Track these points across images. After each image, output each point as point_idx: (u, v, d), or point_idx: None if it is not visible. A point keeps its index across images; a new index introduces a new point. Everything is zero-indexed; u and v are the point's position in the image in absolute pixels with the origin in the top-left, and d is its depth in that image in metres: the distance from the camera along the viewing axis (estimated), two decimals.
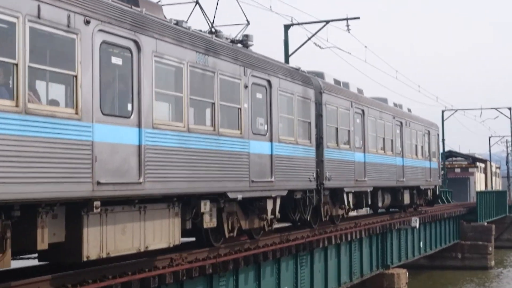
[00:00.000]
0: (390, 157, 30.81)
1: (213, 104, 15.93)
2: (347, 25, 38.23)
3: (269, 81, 18.60)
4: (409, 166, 33.79)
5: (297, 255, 21.50)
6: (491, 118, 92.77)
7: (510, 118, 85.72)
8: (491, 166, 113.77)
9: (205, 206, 15.56)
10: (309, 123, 21.54)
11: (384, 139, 30.34)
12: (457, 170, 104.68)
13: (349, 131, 25.72)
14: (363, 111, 27.45)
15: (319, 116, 22.88)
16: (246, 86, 17.27)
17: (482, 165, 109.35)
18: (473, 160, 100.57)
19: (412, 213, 36.48)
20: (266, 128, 18.33)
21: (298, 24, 37.38)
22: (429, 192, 39.80)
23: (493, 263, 49.16)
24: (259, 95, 18.12)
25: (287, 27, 37.43)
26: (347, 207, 25.63)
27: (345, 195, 25.06)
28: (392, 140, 31.34)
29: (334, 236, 24.27)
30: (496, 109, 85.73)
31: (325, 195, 23.11)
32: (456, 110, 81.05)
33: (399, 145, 32.68)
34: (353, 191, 25.82)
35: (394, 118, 31.97)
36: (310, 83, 21.73)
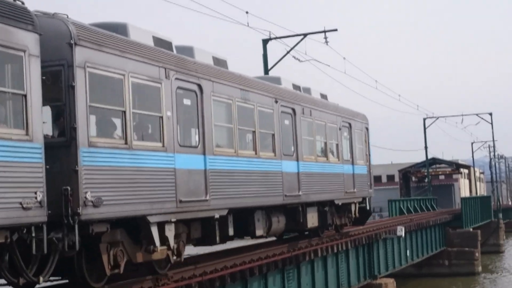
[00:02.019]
0: (266, 161, 19.86)
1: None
2: (325, 38, 38.49)
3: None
4: (311, 173, 22.99)
5: (284, 269, 21.46)
6: (472, 124, 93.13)
7: (491, 124, 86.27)
8: (474, 171, 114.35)
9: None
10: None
11: (254, 133, 19.51)
12: (441, 177, 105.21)
13: None
14: None
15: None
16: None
17: (466, 171, 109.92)
18: (456, 167, 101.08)
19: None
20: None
21: (276, 38, 37.51)
22: (353, 208, 27.93)
23: (480, 268, 49.32)
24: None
25: (265, 42, 37.54)
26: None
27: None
28: (273, 135, 20.61)
29: (320, 249, 24.27)
30: (477, 115, 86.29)
31: None
32: (438, 118, 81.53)
33: (292, 143, 22.08)
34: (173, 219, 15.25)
35: (276, 102, 20.98)
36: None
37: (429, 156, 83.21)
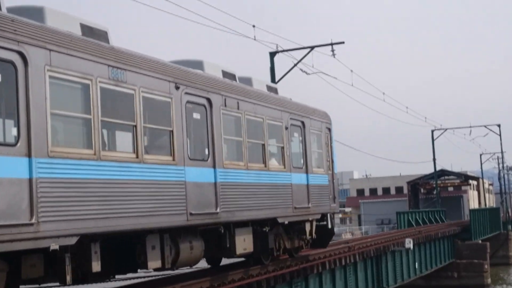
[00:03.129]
0: (157, 168, 14.33)
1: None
2: (332, 50, 38.51)
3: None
4: (236, 184, 17.46)
5: (292, 282, 21.46)
6: (481, 136, 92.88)
7: (500, 135, 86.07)
8: (483, 183, 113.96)
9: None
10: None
11: (136, 127, 14.15)
12: (450, 189, 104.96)
13: None
14: None
15: None
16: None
17: (475, 182, 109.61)
18: (465, 178, 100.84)
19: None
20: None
21: (284, 51, 37.57)
22: (308, 228, 21.87)
23: (489, 280, 49.13)
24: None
25: (272, 55, 37.61)
26: None
27: None
28: (171, 133, 15.14)
29: (328, 261, 24.26)
30: (485, 126, 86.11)
31: None
32: (446, 129, 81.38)
33: (206, 144, 16.59)
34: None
35: (177, 88, 15.44)
36: None
37: (438, 168, 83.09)
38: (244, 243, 17.94)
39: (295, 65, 38.01)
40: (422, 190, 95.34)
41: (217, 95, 16.88)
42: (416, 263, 38.14)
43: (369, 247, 29.58)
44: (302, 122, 21.67)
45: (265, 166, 18.96)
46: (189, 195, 15.04)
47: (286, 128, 20.49)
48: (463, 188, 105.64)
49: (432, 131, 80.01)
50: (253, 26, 33.46)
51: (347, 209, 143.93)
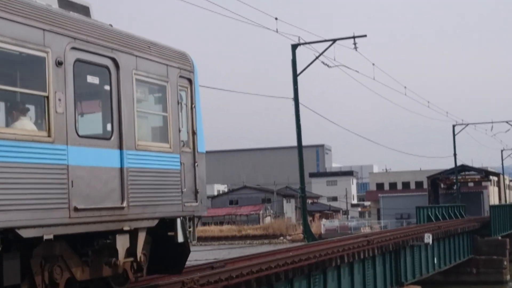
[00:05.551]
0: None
1: None
2: (354, 43, 38.53)
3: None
4: None
5: (310, 274, 21.47)
6: (502, 132, 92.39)
7: None
8: (504, 179, 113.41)
9: None
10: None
11: None
12: (470, 184, 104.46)
13: None
14: None
15: None
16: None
17: (495, 178, 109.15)
18: (486, 174, 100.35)
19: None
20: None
21: (305, 43, 37.56)
22: (124, 243, 12.91)
23: (508, 277, 48.82)
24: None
25: (294, 47, 37.64)
26: None
27: None
28: None
29: (347, 255, 24.23)
30: (507, 122, 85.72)
31: None
32: (467, 125, 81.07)
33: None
34: None
35: None
36: None
37: (458, 163, 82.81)
38: None
39: (317, 57, 38.06)
40: (442, 185, 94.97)
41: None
42: (435, 258, 38.02)
43: (388, 241, 29.53)
44: (113, 60, 12.82)
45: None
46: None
47: (59, 64, 11.40)
48: (484, 184, 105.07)
49: (453, 126, 79.78)
50: (276, 18, 33.49)
51: (366, 203, 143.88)
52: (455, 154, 79.25)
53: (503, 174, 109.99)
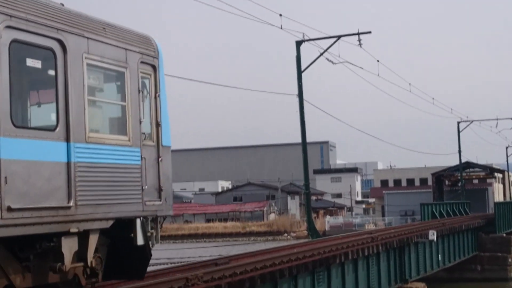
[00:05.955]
0: None
1: None
2: (359, 40, 38.47)
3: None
4: None
5: (314, 271, 21.45)
6: (507, 128, 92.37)
7: None
8: (509, 176, 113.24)
9: None
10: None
11: None
12: (475, 181, 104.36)
13: None
14: None
15: None
16: None
17: (500, 175, 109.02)
18: (490, 171, 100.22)
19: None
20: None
21: (310, 40, 37.53)
22: (71, 247, 11.56)
23: None
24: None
25: (298, 43, 37.59)
26: None
27: None
28: None
29: (351, 251, 24.21)
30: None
31: None
32: (472, 121, 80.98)
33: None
34: None
35: None
36: None
37: (463, 160, 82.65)
38: None
39: (321, 54, 38.02)
40: (446, 182, 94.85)
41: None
42: (440, 255, 37.99)
43: (392, 238, 29.49)
44: (59, 42, 11.55)
45: None
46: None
47: None
48: (488, 180, 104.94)
49: (458, 123, 79.72)
50: (280, 15, 33.46)
51: (371, 200, 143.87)
52: (459, 151, 79.19)
53: (508, 171, 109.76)
